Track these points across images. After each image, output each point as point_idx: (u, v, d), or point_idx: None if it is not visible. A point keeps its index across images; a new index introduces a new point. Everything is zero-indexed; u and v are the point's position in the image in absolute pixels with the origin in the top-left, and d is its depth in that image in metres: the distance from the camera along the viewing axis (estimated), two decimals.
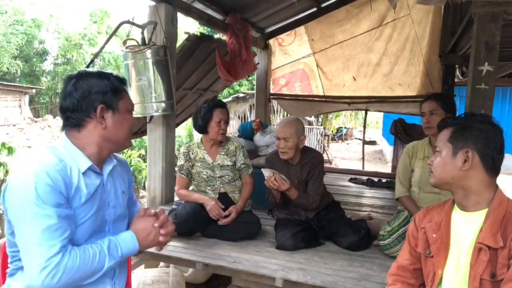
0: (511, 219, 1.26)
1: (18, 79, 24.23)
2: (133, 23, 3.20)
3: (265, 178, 2.58)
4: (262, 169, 2.68)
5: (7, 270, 1.32)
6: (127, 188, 1.52)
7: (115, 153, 1.51)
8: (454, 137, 1.34)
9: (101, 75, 1.34)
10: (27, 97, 20.84)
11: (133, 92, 3.17)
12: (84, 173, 1.29)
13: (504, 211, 1.27)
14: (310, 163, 2.73)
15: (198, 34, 4.19)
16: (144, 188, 7.71)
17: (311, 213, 2.82)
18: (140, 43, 3.17)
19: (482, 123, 1.33)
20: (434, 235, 1.38)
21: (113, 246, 1.28)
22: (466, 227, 1.33)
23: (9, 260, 1.30)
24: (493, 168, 1.32)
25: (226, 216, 2.74)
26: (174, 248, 2.60)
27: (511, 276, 1.18)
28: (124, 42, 3.20)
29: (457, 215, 1.36)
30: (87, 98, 1.30)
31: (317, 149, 11.48)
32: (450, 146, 1.33)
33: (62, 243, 1.17)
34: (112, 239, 1.30)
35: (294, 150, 2.66)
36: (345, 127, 18.78)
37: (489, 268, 1.23)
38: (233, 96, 11.43)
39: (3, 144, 5.44)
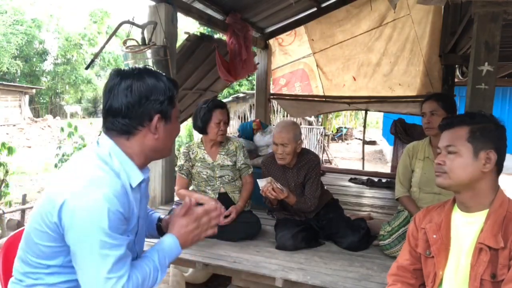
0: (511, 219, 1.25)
1: (18, 79, 24.25)
2: (133, 23, 3.20)
3: (260, 188, 2.50)
4: (258, 180, 2.58)
5: (17, 278, 1.22)
6: (149, 201, 1.46)
7: None
8: (473, 137, 1.30)
9: (158, 77, 1.20)
10: (27, 97, 20.85)
11: None
12: (134, 189, 1.20)
13: (505, 211, 1.27)
14: (307, 165, 2.70)
15: (198, 34, 4.19)
16: None
17: (311, 214, 2.82)
18: (140, 43, 3.17)
19: (497, 123, 1.33)
20: (434, 236, 1.37)
21: (161, 258, 1.22)
22: (467, 227, 1.32)
23: (27, 270, 1.19)
24: (501, 168, 1.32)
25: (226, 216, 2.74)
26: None
27: (511, 276, 1.18)
28: (124, 42, 3.20)
29: (458, 216, 1.36)
30: (143, 106, 1.16)
31: (316, 150, 11.47)
32: (470, 146, 1.30)
33: (127, 272, 1.10)
34: (159, 250, 1.23)
35: (292, 156, 2.61)
36: (345, 127, 18.78)
37: (489, 269, 1.23)
38: (233, 96, 11.42)
39: (3, 144, 5.43)
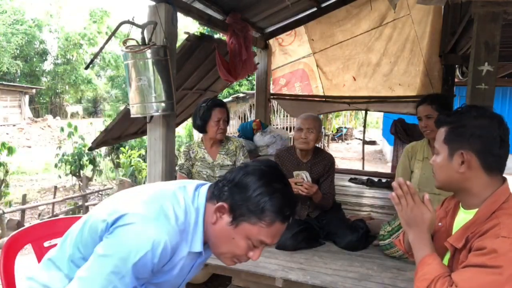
0: (491, 221, 1.17)
1: (18, 79, 24.25)
2: (133, 23, 3.20)
3: (306, 179, 2.59)
4: (295, 172, 2.64)
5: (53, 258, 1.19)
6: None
7: None
8: (449, 137, 1.26)
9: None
10: (27, 97, 20.86)
11: (133, 92, 3.17)
12: (190, 253, 1.15)
13: (490, 212, 1.20)
14: (322, 163, 2.77)
15: (198, 34, 4.19)
16: None
17: (315, 213, 2.83)
18: (140, 43, 3.17)
19: (477, 118, 1.23)
20: (439, 223, 1.36)
21: None
22: (461, 224, 1.30)
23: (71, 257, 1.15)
24: (494, 165, 1.23)
25: None
26: None
27: (458, 268, 1.16)
28: (124, 42, 3.20)
29: (460, 211, 1.35)
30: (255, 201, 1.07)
31: None
32: (446, 148, 1.26)
33: None
34: None
35: (314, 143, 2.71)
36: (345, 127, 18.77)
37: (456, 265, 1.22)
38: (233, 96, 11.42)
39: (3, 144, 5.44)
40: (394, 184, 1.27)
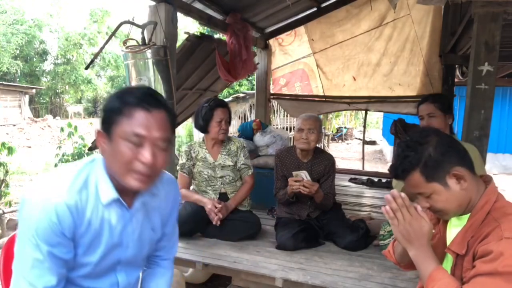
0: (489, 223, 1.16)
1: (18, 79, 24.25)
2: (133, 23, 3.20)
3: (305, 178, 2.60)
4: (294, 172, 2.66)
5: None
6: (160, 225, 1.33)
7: (164, 176, 1.33)
8: (428, 175, 1.19)
9: (119, 93, 1.18)
10: (27, 97, 20.85)
11: None
12: (108, 206, 1.15)
13: (485, 213, 1.19)
14: (323, 163, 2.78)
15: (198, 34, 4.19)
16: None
17: (315, 213, 2.83)
18: (140, 43, 3.17)
19: (428, 141, 1.20)
20: (433, 231, 1.36)
21: None
22: (454, 229, 1.30)
23: None
24: (472, 167, 1.22)
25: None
26: None
27: (470, 277, 1.14)
28: (124, 42, 3.20)
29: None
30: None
31: None
32: (435, 184, 1.19)
33: (51, 283, 1.09)
34: None
35: (314, 143, 2.73)
36: (345, 127, 18.77)
37: (459, 271, 1.21)
38: (233, 96, 11.41)
39: (3, 144, 5.43)
40: (388, 197, 1.21)
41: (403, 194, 1.20)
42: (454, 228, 1.29)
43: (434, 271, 1.16)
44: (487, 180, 1.26)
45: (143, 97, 1.10)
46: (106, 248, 1.18)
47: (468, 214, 1.23)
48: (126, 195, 1.18)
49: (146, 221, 1.27)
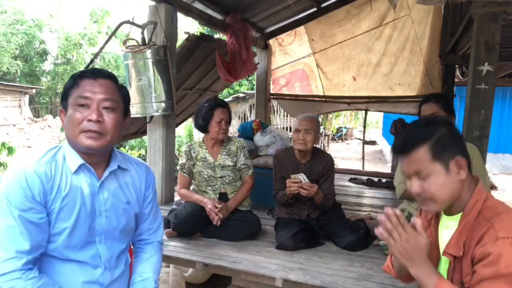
0: (481, 223, 1.16)
1: (18, 79, 24.23)
2: (133, 23, 3.20)
3: (303, 181, 2.59)
4: (292, 176, 2.64)
5: None
6: (135, 200, 1.41)
7: (134, 158, 1.46)
8: (436, 153, 1.18)
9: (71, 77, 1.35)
10: (27, 97, 20.83)
11: (133, 92, 3.18)
12: (76, 173, 1.26)
13: (477, 213, 1.18)
14: (322, 164, 2.78)
15: (198, 34, 4.19)
16: None
17: (315, 213, 2.82)
18: (140, 43, 3.17)
19: (447, 124, 1.23)
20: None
21: None
22: (446, 231, 1.28)
23: None
24: (470, 162, 1.23)
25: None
26: (174, 248, 2.60)
27: (474, 284, 1.13)
28: (124, 42, 3.20)
29: (444, 217, 1.32)
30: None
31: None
32: (438, 164, 1.18)
33: (24, 248, 1.15)
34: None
35: (312, 144, 2.72)
36: (345, 127, 18.78)
37: (458, 275, 1.20)
38: (233, 96, 11.42)
39: (3, 144, 5.43)
40: (381, 217, 1.19)
41: (397, 212, 1.17)
42: (446, 229, 1.28)
43: (437, 285, 1.15)
44: (475, 180, 1.26)
45: (92, 70, 1.28)
46: (79, 215, 1.25)
47: (459, 214, 1.23)
48: (96, 166, 1.30)
49: (120, 193, 1.36)
